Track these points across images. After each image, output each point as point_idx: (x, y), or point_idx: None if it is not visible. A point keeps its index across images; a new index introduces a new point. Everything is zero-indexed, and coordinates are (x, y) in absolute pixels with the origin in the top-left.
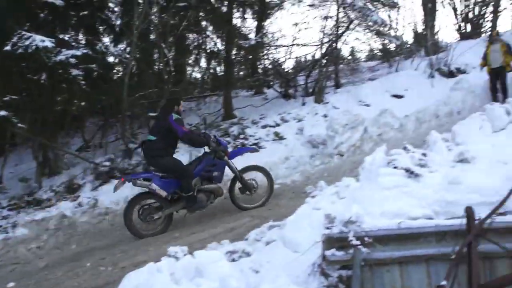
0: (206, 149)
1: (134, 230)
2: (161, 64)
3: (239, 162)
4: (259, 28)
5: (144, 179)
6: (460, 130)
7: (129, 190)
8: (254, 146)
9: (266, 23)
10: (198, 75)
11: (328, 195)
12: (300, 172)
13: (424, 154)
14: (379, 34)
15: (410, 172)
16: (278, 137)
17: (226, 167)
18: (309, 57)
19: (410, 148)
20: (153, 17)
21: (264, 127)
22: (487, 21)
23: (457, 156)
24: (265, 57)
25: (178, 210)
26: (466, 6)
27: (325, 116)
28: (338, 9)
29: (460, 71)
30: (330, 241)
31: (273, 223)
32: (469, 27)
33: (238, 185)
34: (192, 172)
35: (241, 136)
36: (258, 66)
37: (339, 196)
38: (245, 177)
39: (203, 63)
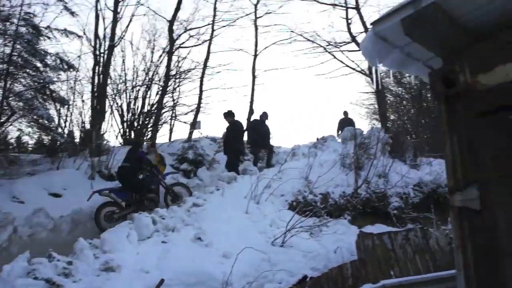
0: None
1: (101, 227)
2: None
3: None
4: None
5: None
6: (109, 238)
7: None
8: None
9: None
10: None
11: None
12: None
13: (69, 263)
14: (44, 129)
15: (51, 283)
16: None
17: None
18: None
19: (55, 255)
20: None
21: None
22: (149, 131)
23: (103, 265)
24: None
25: (130, 212)
26: (133, 114)
27: None
28: (2, 97)
29: None
30: None
31: None
32: (133, 134)
33: (169, 197)
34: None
35: None
36: None
37: None
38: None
39: None
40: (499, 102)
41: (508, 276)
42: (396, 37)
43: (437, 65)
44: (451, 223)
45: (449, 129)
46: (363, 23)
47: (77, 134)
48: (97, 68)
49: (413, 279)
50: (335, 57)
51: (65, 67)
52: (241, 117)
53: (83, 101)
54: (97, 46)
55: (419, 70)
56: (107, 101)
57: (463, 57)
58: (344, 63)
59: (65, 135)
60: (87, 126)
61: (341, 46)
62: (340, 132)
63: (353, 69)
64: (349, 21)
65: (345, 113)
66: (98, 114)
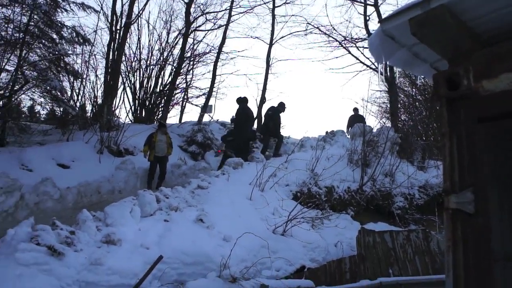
0: None
1: None
2: None
3: None
4: None
5: None
6: (112, 212)
7: None
8: None
9: None
10: None
11: None
12: None
13: (72, 232)
14: (56, 100)
15: (53, 250)
16: None
17: None
18: None
19: (58, 224)
20: None
21: None
22: (160, 110)
23: (105, 237)
24: None
25: None
26: (145, 93)
27: None
28: (17, 66)
29: (128, 151)
30: None
31: None
32: (144, 113)
33: None
34: None
35: None
36: None
37: None
38: None
39: None
40: (501, 109)
41: (497, 280)
42: (404, 36)
43: (444, 68)
44: (444, 224)
45: (449, 131)
46: None
47: (88, 108)
48: (112, 44)
49: (412, 280)
50: (350, 53)
51: (81, 40)
52: (252, 105)
53: (96, 76)
54: (114, 22)
55: (425, 71)
56: (120, 78)
57: (468, 61)
58: (358, 60)
59: (77, 108)
60: (99, 101)
61: (357, 42)
62: (350, 128)
63: (368, 66)
64: (367, 17)
65: (356, 109)
66: (110, 90)
